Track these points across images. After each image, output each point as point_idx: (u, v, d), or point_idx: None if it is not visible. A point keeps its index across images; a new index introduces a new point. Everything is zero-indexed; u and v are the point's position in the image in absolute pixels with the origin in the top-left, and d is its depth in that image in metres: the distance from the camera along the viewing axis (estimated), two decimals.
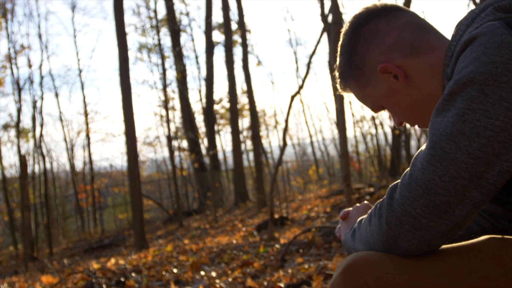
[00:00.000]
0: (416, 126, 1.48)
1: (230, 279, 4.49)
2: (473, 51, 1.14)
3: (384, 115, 16.84)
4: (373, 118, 19.41)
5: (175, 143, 23.76)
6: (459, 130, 1.09)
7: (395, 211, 1.13)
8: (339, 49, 1.51)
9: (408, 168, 1.17)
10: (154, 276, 5.44)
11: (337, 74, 1.54)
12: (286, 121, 7.38)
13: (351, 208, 1.55)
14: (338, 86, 1.56)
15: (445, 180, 1.08)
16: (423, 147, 1.17)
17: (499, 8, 1.26)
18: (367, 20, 1.43)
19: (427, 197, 1.09)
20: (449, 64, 1.25)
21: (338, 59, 1.51)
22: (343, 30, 1.51)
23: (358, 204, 1.54)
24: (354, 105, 21.82)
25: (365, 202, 1.56)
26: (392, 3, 1.49)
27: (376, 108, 1.49)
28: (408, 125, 1.52)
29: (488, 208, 1.53)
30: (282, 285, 3.82)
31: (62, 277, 5.82)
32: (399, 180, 1.18)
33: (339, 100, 4.72)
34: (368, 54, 1.41)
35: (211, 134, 22.40)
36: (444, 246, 1.21)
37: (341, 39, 1.50)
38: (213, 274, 4.99)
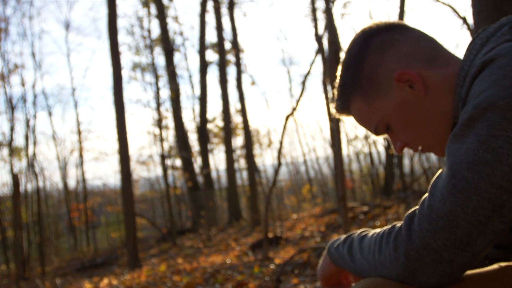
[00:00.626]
0: (411, 151, 1.40)
1: None
2: (492, 73, 1.10)
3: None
4: (365, 138, 19.43)
5: (168, 162, 23.75)
6: (481, 158, 1.04)
7: (415, 243, 1.09)
8: (341, 65, 1.42)
9: (426, 196, 1.12)
10: None
11: (335, 92, 1.44)
12: (281, 141, 7.41)
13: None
14: (334, 108, 1.46)
15: (467, 211, 1.04)
16: (439, 172, 1.13)
17: None
18: (379, 32, 1.37)
19: (449, 229, 1.06)
20: (463, 85, 1.22)
21: (339, 74, 1.42)
22: (349, 44, 1.42)
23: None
24: (347, 124, 21.86)
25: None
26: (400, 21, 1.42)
27: (379, 128, 1.39)
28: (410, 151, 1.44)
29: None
30: None
31: None
32: (416, 208, 1.14)
33: (335, 120, 4.73)
34: (381, 63, 1.34)
35: (204, 153, 22.41)
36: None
37: (345, 55, 1.41)
38: None
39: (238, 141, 26.77)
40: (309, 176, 29.24)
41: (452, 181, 1.06)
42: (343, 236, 1.40)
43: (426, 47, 1.33)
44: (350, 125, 22.64)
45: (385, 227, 1.21)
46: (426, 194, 1.13)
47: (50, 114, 25.78)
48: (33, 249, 22.39)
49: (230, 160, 19.60)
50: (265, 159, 28.64)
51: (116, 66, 11.62)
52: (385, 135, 1.42)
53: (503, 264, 1.23)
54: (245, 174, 22.97)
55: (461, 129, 1.09)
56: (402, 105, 1.32)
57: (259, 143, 28.67)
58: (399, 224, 1.18)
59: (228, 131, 19.72)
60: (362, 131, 26.36)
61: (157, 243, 18.58)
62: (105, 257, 16.77)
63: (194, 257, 11.05)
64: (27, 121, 23.52)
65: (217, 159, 40.00)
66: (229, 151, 19.65)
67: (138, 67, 25.37)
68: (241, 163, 26.52)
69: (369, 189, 20.70)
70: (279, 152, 7.41)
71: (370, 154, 19.36)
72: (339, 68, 1.43)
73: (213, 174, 25.72)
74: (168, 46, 22.55)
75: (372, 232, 1.27)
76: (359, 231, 1.33)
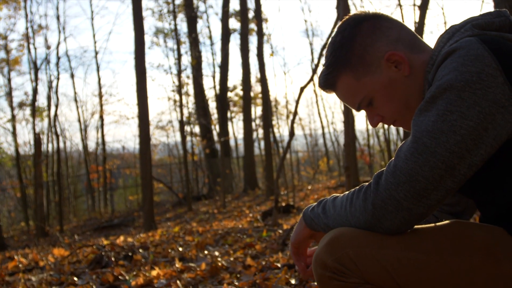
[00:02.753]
0: (385, 125, 1.66)
1: (231, 259, 4.71)
2: (452, 61, 1.34)
3: None
4: None
5: (187, 128, 24.01)
6: (439, 128, 1.29)
7: (381, 194, 1.32)
8: (332, 45, 1.60)
9: (393, 158, 1.36)
10: (160, 253, 5.68)
11: (323, 68, 1.63)
12: (294, 112, 7.57)
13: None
14: (319, 84, 1.64)
15: (425, 170, 1.28)
16: (405, 140, 1.37)
17: (476, 26, 1.47)
18: (369, 18, 1.58)
19: (409, 183, 1.29)
20: (430, 71, 1.46)
21: (330, 53, 1.60)
22: (338, 27, 1.61)
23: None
24: None
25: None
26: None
27: (363, 102, 1.59)
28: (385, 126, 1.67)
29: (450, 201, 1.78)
30: (279, 265, 4.04)
31: (73, 250, 6.07)
32: (384, 169, 1.37)
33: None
34: (371, 44, 1.54)
35: (223, 121, 22.57)
36: (416, 226, 1.41)
37: (336, 36, 1.60)
38: (216, 253, 5.21)
39: (257, 110, 26.90)
40: (327, 148, 29.30)
41: (414, 145, 1.31)
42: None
43: (408, 35, 1.57)
44: None
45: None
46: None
47: (72, 76, 26.03)
48: (52, 208, 22.86)
49: (248, 129, 19.76)
50: (283, 130, 28.76)
51: (139, 31, 11.76)
52: (364, 110, 1.64)
53: (453, 220, 1.47)
54: (262, 144, 23.13)
55: (424, 105, 1.34)
56: (389, 82, 1.54)
57: (278, 114, 28.78)
58: (367, 183, 1.41)
59: (247, 100, 19.84)
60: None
61: (173, 207, 18.88)
62: (121, 219, 17.08)
63: (208, 221, 11.32)
64: (50, 82, 23.85)
65: (236, 128, 40.09)
66: (248, 120, 19.79)
67: (160, 33, 25.53)
68: (259, 132, 26.68)
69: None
70: (293, 120, 7.57)
71: (388, 129, 19.40)
72: (328, 47, 1.63)
73: (231, 143, 25.90)
74: (191, 12, 22.60)
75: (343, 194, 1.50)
76: (331, 195, 1.56)
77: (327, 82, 1.62)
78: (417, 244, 1.37)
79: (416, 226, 1.41)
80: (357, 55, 1.55)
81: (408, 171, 1.29)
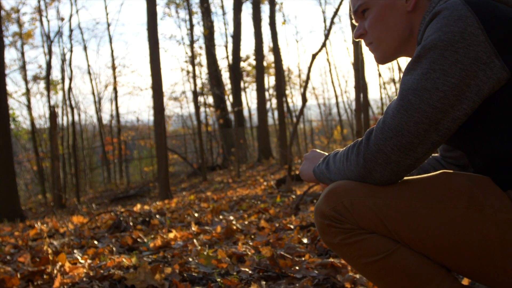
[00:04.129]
0: (370, 53, 1.73)
1: (246, 222, 4.82)
2: (437, 22, 1.41)
3: None
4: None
5: (201, 99, 24.05)
6: (423, 86, 1.37)
7: (371, 149, 1.42)
8: None
9: (382, 116, 1.45)
10: (176, 218, 5.81)
11: None
12: (307, 77, 7.61)
13: (317, 150, 1.84)
14: None
15: (410, 125, 1.37)
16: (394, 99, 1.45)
17: None
18: None
19: (396, 138, 1.38)
20: (420, 30, 1.53)
21: None
22: None
23: (316, 150, 1.83)
24: (381, 66, 21.78)
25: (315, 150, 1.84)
26: None
27: (360, 8, 1.67)
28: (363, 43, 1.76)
29: (444, 153, 1.88)
30: (292, 226, 4.14)
31: (92, 217, 6.21)
32: (375, 125, 1.46)
33: (355, 42, 4.87)
34: None
35: (236, 91, 22.60)
36: (406, 178, 1.51)
37: None
38: (231, 218, 5.32)
39: (270, 80, 26.89)
40: (341, 117, 29.29)
41: (400, 102, 1.40)
42: None
43: None
44: (384, 66, 22.56)
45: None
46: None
47: (85, 48, 26.30)
48: (69, 180, 23.14)
49: (261, 99, 19.80)
50: (297, 100, 28.79)
51: (151, 2, 11.78)
52: (357, 19, 1.73)
53: (445, 170, 1.54)
54: (276, 113, 23.17)
55: (411, 64, 1.43)
56: (390, 5, 1.63)
57: (291, 83, 28.76)
58: (360, 139, 1.50)
59: (260, 70, 19.85)
60: (397, 74, 26.23)
61: (187, 178, 19.06)
62: (137, 189, 17.29)
63: (222, 191, 11.45)
64: (63, 55, 23.97)
65: (249, 98, 40.14)
66: (261, 89, 19.81)
67: (172, 3, 25.44)
68: (273, 102, 26.71)
69: None
70: (305, 87, 7.62)
71: None
72: None
73: (245, 113, 25.99)
74: None
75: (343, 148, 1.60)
76: (334, 151, 1.66)
77: None
78: (405, 193, 1.46)
79: (407, 177, 1.51)
80: None
81: (395, 126, 1.38)
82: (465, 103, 1.36)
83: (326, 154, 1.73)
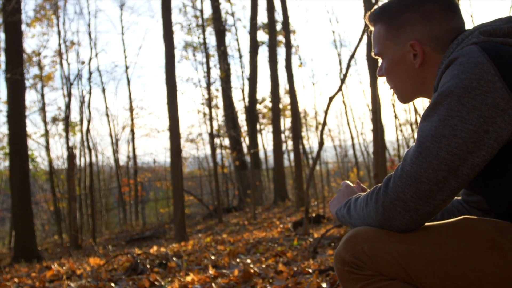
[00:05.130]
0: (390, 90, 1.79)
1: (263, 266, 4.79)
2: (454, 69, 1.44)
3: None
4: (417, 123, 19.38)
5: (217, 141, 24.11)
6: (441, 132, 1.38)
7: (390, 196, 1.42)
8: None
9: (401, 163, 1.46)
10: (193, 261, 5.79)
11: (381, 4, 1.77)
12: (324, 120, 7.64)
13: (351, 184, 1.84)
14: (370, 13, 1.78)
15: (429, 172, 1.38)
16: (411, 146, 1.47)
17: (483, 32, 1.56)
18: (436, 1, 1.65)
19: (415, 185, 1.38)
20: (436, 77, 1.56)
21: (390, 1, 1.72)
22: None
23: (348, 183, 1.84)
24: (397, 108, 21.79)
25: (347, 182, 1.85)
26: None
27: (378, 55, 1.76)
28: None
29: (466, 198, 1.87)
30: (310, 270, 4.11)
31: (109, 259, 6.21)
32: (393, 172, 1.47)
33: (373, 85, 4.89)
34: (413, 23, 1.64)
35: (253, 133, 22.68)
36: (427, 223, 1.50)
37: None
38: (248, 261, 5.30)
39: (286, 122, 26.96)
40: (357, 159, 29.19)
41: (418, 149, 1.41)
42: None
43: (449, 39, 1.63)
44: (400, 108, 22.60)
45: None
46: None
47: (104, 90, 26.38)
48: (85, 221, 23.15)
49: (277, 141, 19.83)
50: (313, 141, 28.83)
51: (168, 45, 11.95)
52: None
53: (466, 216, 1.54)
54: (292, 155, 23.15)
55: (428, 111, 1.45)
56: (400, 60, 1.69)
57: (307, 125, 28.80)
58: (380, 185, 1.51)
59: (276, 112, 19.94)
60: (413, 116, 26.18)
61: (203, 219, 18.98)
62: (153, 231, 17.22)
63: (238, 233, 11.40)
64: (82, 97, 24.25)
65: (265, 139, 40.18)
66: (277, 131, 19.87)
67: (190, 47, 25.77)
68: (289, 144, 26.71)
69: None
70: (321, 132, 7.64)
71: None
72: None
73: (261, 154, 26.00)
74: (219, 26, 22.85)
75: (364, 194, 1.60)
76: (356, 195, 1.66)
77: (371, 17, 1.77)
78: (426, 239, 1.46)
79: (428, 223, 1.50)
80: (398, 22, 1.67)
81: (413, 173, 1.39)
82: (484, 150, 1.37)
83: (357, 192, 1.74)
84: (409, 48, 1.65)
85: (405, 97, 1.75)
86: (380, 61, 1.81)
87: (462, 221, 1.50)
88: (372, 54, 1.81)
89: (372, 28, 1.79)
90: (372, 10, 1.78)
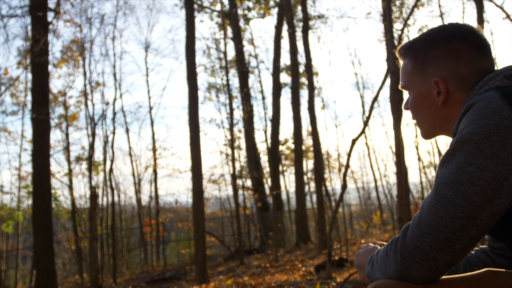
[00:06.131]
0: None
1: None
2: (472, 114, 1.41)
3: None
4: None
5: (239, 182, 24.11)
6: (458, 180, 1.34)
7: (408, 246, 1.38)
8: (431, 32, 1.71)
9: (418, 211, 1.42)
10: None
11: (412, 39, 1.77)
12: (346, 165, 7.58)
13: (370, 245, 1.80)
14: (402, 45, 1.78)
15: (446, 220, 1.33)
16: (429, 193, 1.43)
17: (508, 76, 1.53)
18: (465, 39, 1.64)
19: (432, 234, 1.34)
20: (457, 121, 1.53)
21: (424, 34, 1.72)
22: (444, 26, 1.70)
23: (371, 244, 1.80)
24: (421, 150, 21.63)
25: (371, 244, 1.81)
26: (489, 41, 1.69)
27: (405, 88, 1.76)
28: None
29: (492, 244, 1.79)
30: None
31: None
32: (411, 221, 1.43)
33: (396, 127, 4.87)
34: (439, 60, 1.64)
35: (275, 174, 22.62)
36: (449, 276, 1.45)
37: (437, 28, 1.71)
38: None
39: (309, 164, 26.90)
40: (380, 202, 28.94)
41: (435, 197, 1.37)
42: None
43: (474, 80, 1.61)
44: (424, 150, 22.42)
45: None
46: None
47: (127, 131, 26.61)
48: (106, 261, 23.10)
49: (300, 183, 19.74)
50: (336, 184, 28.70)
51: (192, 87, 12.06)
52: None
53: (489, 268, 1.47)
54: (314, 197, 23.00)
55: (446, 157, 1.42)
56: (424, 96, 1.68)
57: (329, 167, 28.69)
58: (397, 235, 1.47)
59: (299, 154, 19.89)
60: (437, 158, 26.00)
61: (225, 261, 18.84)
62: (174, 272, 17.12)
63: (260, 275, 11.26)
64: (106, 137, 24.44)
65: (288, 181, 40.03)
66: (300, 173, 19.79)
67: (213, 88, 25.98)
68: (311, 186, 26.58)
69: None
70: (345, 172, 7.58)
71: None
72: (429, 30, 1.74)
73: (283, 196, 25.87)
74: (243, 68, 23.04)
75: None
76: (378, 249, 1.63)
77: (400, 52, 1.78)
78: None
79: (450, 276, 1.45)
80: (424, 57, 1.68)
81: (431, 222, 1.35)
82: (504, 197, 1.32)
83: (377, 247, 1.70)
84: (433, 84, 1.64)
85: (428, 133, 1.75)
86: (406, 94, 1.81)
87: (485, 274, 1.44)
88: (399, 86, 1.81)
89: (401, 62, 1.79)
90: (402, 44, 1.78)
